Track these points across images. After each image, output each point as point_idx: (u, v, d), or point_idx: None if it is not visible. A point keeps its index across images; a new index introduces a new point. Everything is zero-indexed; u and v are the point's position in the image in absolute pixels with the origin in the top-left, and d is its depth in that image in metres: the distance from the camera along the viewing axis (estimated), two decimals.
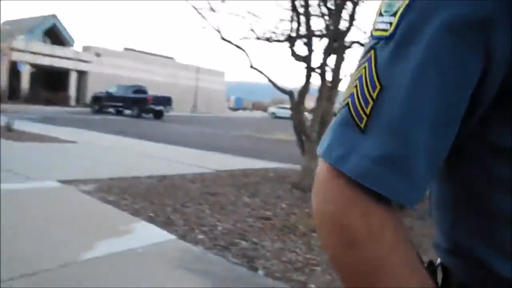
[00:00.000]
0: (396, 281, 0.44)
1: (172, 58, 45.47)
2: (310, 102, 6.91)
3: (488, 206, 0.49)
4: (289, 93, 6.07)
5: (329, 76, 5.82)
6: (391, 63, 0.45)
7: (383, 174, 0.43)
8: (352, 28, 5.78)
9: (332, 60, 5.81)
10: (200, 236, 3.66)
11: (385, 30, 0.46)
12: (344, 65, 5.81)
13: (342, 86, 6.06)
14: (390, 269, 0.44)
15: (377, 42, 0.46)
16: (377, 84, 0.44)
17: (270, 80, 6.29)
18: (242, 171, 7.08)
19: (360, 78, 0.46)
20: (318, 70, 5.84)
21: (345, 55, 5.80)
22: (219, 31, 6.50)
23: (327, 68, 5.82)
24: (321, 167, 0.49)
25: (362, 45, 5.99)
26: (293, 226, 4.15)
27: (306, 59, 5.86)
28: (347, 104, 0.47)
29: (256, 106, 69.70)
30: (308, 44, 5.89)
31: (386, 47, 0.45)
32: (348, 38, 5.89)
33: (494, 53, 0.43)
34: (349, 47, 5.91)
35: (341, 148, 0.46)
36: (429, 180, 0.46)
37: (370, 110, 0.44)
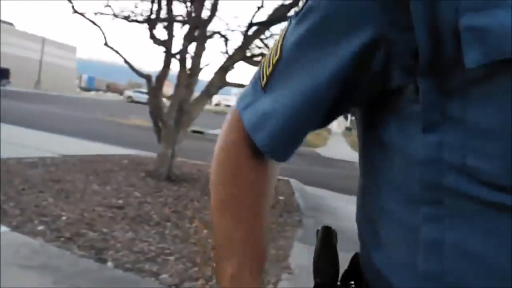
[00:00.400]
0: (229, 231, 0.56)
1: (11, 24, 39.81)
2: (170, 88, 6.77)
3: (372, 199, 0.51)
4: (147, 76, 5.85)
5: (189, 64, 5.78)
6: (289, 36, 0.49)
7: (260, 128, 0.51)
8: (215, 18, 5.83)
9: (193, 47, 5.78)
10: (40, 227, 3.30)
11: (299, 7, 0.50)
12: (205, 54, 5.83)
13: (203, 75, 6.09)
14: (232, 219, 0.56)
15: (293, 16, 0.50)
16: (278, 52, 0.50)
17: (126, 61, 5.97)
18: (92, 157, 6.61)
19: (275, 45, 0.52)
20: (178, 56, 5.75)
21: (206, 44, 5.82)
22: (71, 2, 5.92)
23: (187, 56, 5.77)
24: (233, 110, 0.57)
25: (223, 36, 6.09)
26: (146, 215, 4.04)
27: (166, 44, 5.72)
28: (261, 65, 0.53)
29: (111, 88, 65.72)
30: (169, 29, 5.75)
31: (293, 21, 0.50)
32: (210, 28, 5.93)
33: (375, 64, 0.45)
34: (210, 36, 5.94)
35: (246, 100, 0.54)
36: (294, 143, 0.53)
37: (269, 74, 0.51)
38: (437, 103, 0.41)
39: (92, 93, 52.04)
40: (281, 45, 0.49)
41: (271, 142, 0.51)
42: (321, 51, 0.46)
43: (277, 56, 0.49)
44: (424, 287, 0.43)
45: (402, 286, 0.45)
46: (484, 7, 0.36)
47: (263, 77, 0.51)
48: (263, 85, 0.51)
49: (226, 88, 6.03)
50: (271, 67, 0.50)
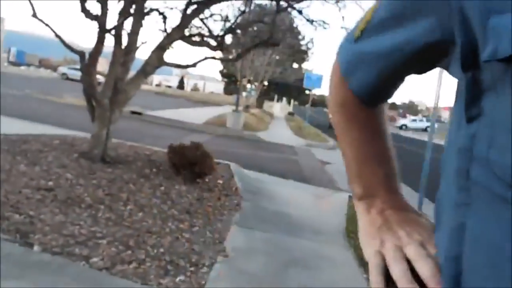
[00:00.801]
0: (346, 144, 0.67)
1: None
2: (107, 66, 6.48)
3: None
4: (80, 53, 5.55)
5: (125, 41, 5.56)
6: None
7: (352, 73, 0.61)
8: None
9: (129, 24, 5.56)
10: None
11: None
12: (142, 32, 5.62)
13: (140, 53, 5.89)
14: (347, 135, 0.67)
15: None
16: (372, 11, 0.57)
17: (57, 35, 5.62)
18: (20, 136, 6.21)
19: (373, 4, 0.58)
20: (113, 33, 5.50)
21: (143, 21, 5.61)
22: None
23: (123, 32, 5.54)
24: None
25: (161, 13, 5.91)
26: (78, 198, 3.90)
27: (99, 19, 5.44)
28: (358, 22, 0.60)
29: (44, 64, 61.80)
30: (102, 3, 5.47)
31: None
32: (147, 4, 5.72)
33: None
34: (147, 13, 5.74)
35: (343, 45, 0.64)
36: (382, 91, 0.62)
37: (363, 29, 0.58)
38: (477, 97, 0.44)
39: (23, 68, 48.50)
40: (377, 7, 0.56)
41: (361, 88, 0.61)
42: (403, 22, 0.51)
43: (370, 14, 0.56)
44: (445, 269, 0.48)
45: (440, 264, 0.50)
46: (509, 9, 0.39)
47: (356, 31, 0.59)
48: (355, 38, 0.58)
49: (168, 69, 5.89)
50: (364, 23, 0.57)
